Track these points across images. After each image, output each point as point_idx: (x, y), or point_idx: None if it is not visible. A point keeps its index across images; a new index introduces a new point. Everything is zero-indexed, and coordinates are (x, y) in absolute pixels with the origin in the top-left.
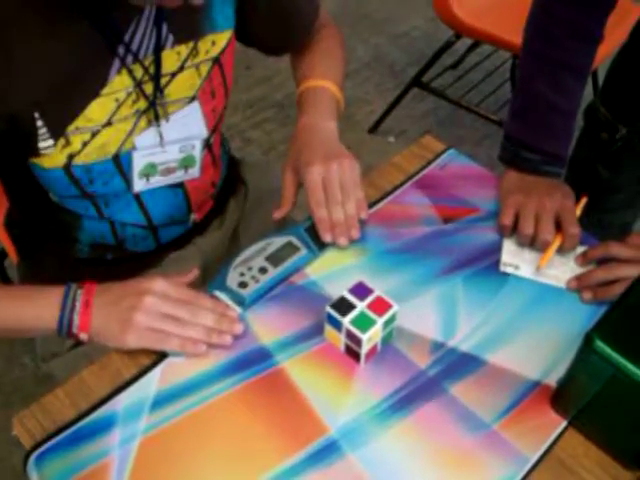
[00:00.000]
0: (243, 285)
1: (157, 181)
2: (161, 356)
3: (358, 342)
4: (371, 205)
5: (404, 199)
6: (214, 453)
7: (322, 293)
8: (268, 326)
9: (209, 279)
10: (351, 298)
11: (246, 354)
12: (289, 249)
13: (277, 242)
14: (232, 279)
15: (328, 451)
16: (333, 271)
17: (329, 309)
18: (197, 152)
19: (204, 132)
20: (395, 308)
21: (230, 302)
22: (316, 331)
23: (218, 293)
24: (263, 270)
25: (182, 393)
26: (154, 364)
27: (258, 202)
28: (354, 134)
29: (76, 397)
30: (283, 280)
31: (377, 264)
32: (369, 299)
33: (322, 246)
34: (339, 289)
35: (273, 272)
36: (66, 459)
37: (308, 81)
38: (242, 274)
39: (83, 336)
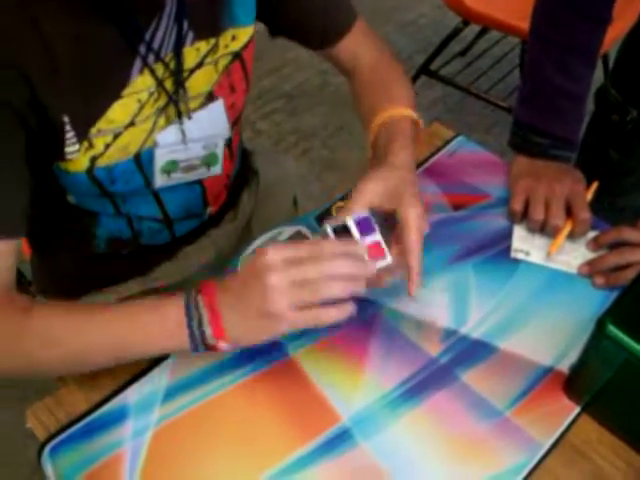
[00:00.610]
0: None
1: (178, 177)
2: None
3: None
4: None
5: None
6: (226, 443)
7: None
8: None
9: (223, 267)
10: (353, 229)
11: (257, 344)
12: (299, 238)
13: (287, 231)
14: None
15: (340, 440)
16: None
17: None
18: (220, 150)
19: (227, 130)
20: (388, 260)
21: None
22: None
23: None
24: None
25: (194, 384)
26: (166, 356)
27: (270, 192)
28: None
29: (89, 390)
30: None
31: None
32: (368, 239)
33: None
34: None
35: None
36: (80, 451)
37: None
38: None
39: (223, 345)
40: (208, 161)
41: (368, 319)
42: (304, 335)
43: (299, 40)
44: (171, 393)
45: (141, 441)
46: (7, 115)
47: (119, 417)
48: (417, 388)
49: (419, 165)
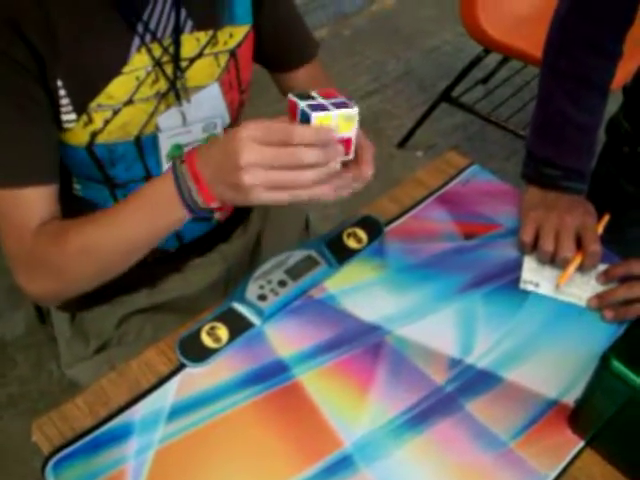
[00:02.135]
0: (262, 298)
1: None
2: (179, 366)
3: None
4: (392, 220)
5: (425, 214)
6: (229, 465)
7: (340, 308)
8: (286, 339)
9: (232, 286)
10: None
11: (263, 367)
12: (309, 263)
13: (297, 255)
14: (252, 291)
15: (342, 465)
16: (352, 286)
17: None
18: (219, 131)
19: (225, 113)
20: (350, 156)
21: (249, 314)
22: (333, 345)
23: (237, 305)
24: (282, 283)
25: (199, 404)
26: (172, 374)
27: (281, 212)
28: (383, 148)
29: (95, 405)
30: (302, 294)
31: (396, 279)
32: (332, 100)
33: (341, 261)
34: (357, 304)
35: (292, 285)
36: (83, 466)
37: None
38: (262, 287)
39: (215, 204)
40: None
41: (375, 344)
42: (310, 358)
43: (261, 56)
44: (176, 412)
45: (144, 459)
46: (20, 72)
47: (123, 434)
48: (421, 416)
49: (432, 192)
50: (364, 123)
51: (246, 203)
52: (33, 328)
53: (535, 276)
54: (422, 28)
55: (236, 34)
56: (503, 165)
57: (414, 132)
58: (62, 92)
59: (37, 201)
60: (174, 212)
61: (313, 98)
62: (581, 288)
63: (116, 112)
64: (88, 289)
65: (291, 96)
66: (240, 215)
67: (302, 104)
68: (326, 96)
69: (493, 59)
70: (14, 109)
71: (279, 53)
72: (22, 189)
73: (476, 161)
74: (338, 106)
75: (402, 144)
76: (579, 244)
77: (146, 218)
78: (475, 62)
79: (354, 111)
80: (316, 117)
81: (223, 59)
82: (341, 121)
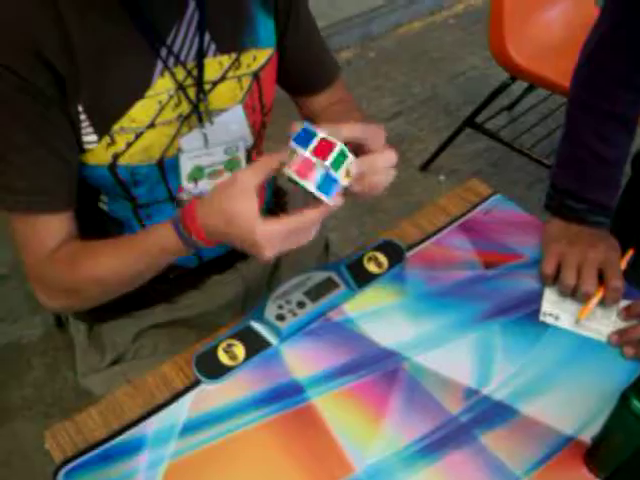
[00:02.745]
0: (281, 318)
1: (205, 184)
2: (194, 382)
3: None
4: (413, 246)
5: (447, 241)
6: None
7: (358, 332)
8: (302, 360)
9: (249, 304)
10: (295, 147)
11: (278, 387)
12: (328, 285)
13: (317, 277)
14: (270, 311)
15: None
16: (370, 310)
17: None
18: (241, 153)
19: (247, 135)
20: (339, 147)
21: (267, 334)
22: (350, 369)
23: (255, 324)
24: (301, 304)
25: (212, 421)
26: (187, 389)
27: None
28: (405, 171)
29: (109, 416)
30: (320, 316)
31: (415, 306)
32: (313, 144)
33: (361, 284)
34: (375, 329)
35: (311, 307)
36: (94, 477)
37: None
38: (280, 307)
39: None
40: (231, 166)
41: (391, 370)
42: (326, 382)
43: (282, 79)
44: (189, 428)
45: (155, 473)
46: (38, 98)
47: (136, 447)
48: (434, 445)
49: (454, 220)
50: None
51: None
52: (51, 333)
53: (555, 309)
54: (448, 52)
55: (259, 57)
56: (525, 193)
57: (437, 156)
58: (83, 116)
59: (54, 226)
60: (179, 252)
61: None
62: (602, 323)
63: (138, 135)
64: (104, 302)
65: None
66: None
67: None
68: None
69: (519, 86)
70: (34, 137)
71: (301, 77)
72: (39, 216)
73: (498, 188)
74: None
75: (425, 167)
76: (601, 279)
77: (154, 258)
78: (501, 89)
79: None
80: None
81: (246, 82)
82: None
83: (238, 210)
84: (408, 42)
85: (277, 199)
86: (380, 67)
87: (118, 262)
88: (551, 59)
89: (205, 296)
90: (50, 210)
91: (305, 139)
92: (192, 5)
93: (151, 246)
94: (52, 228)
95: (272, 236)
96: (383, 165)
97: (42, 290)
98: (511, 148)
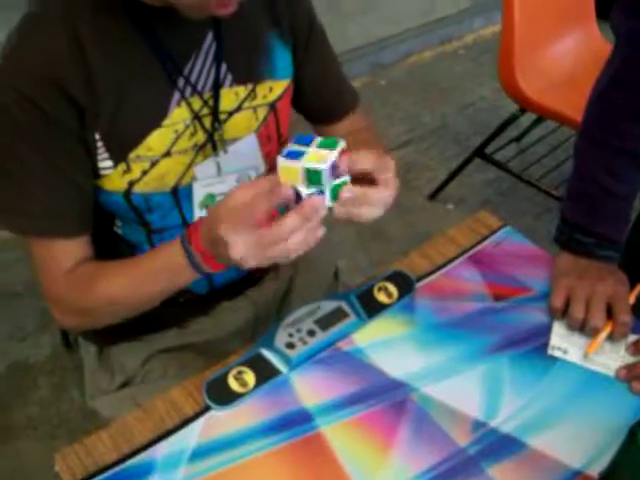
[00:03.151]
0: (291, 346)
1: None
2: (204, 408)
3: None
4: (423, 277)
5: (456, 273)
6: None
7: (367, 362)
8: (311, 389)
9: (259, 332)
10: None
11: (287, 415)
12: (338, 314)
13: (327, 306)
14: (280, 339)
15: None
16: (380, 341)
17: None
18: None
19: (260, 164)
20: (342, 143)
21: (277, 362)
22: (358, 399)
23: (265, 351)
24: (311, 333)
25: (221, 448)
26: (197, 415)
27: (311, 261)
28: (414, 199)
29: (119, 440)
30: (330, 345)
31: (424, 337)
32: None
33: (371, 314)
34: (384, 359)
35: (321, 336)
36: None
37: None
38: (291, 335)
39: (224, 269)
40: None
41: (399, 401)
42: (335, 411)
43: (301, 109)
44: (198, 454)
45: None
46: (55, 127)
47: (145, 471)
48: (442, 477)
49: (464, 251)
50: (396, 174)
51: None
52: (58, 353)
53: (564, 342)
54: (458, 83)
55: (276, 88)
56: (533, 223)
57: (446, 185)
58: (100, 143)
59: (69, 249)
60: (189, 276)
61: (300, 152)
62: (610, 358)
63: (154, 163)
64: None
65: (281, 160)
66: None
67: (298, 165)
68: (306, 142)
69: (528, 117)
70: (51, 165)
71: (321, 106)
72: (54, 240)
73: (506, 218)
74: (327, 145)
75: (433, 196)
76: (610, 313)
77: (161, 279)
78: (510, 121)
79: (343, 144)
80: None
81: (262, 112)
82: (317, 154)
83: (223, 207)
84: (418, 72)
85: None
86: (390, 96)
87: (129, 282)
88: (560, 92)
89: (215, 322)
90: (64, 235)
91: (305, 141)
92: (210, 36)
93: (160, 264)
94: (67, 251)
95: (236, 230)
96: (374, 200)
97: (58, 309)
98: (520, 179)
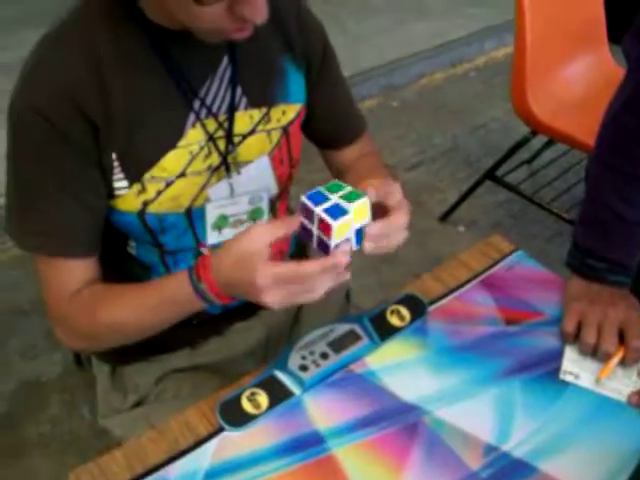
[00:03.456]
0: (304, 368)
1: (228, 233)
2: (218, 429)
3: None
4: (435, 300)
5: (469, 297)
6: None
7: (380, 384)
8: (324, 411)
9: (271, 353)
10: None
11: (300, 437)
12: (351, 337)
13: (340, 329)
14: (294, 361)
15: None
16: (392, 364)
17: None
18: (265, 204)
19: (273, 185)
20: (364, 198)
21: (290, 384)
22: (371, 421)
23: (279, 373)
24: (324, 355)
25: (234, 469)
26: (211, 436)
27: None
28: (424, 221)
29: (132, 460)
30: (343, 367)
31: (437, 360)
32: (340, 192)
33: (384, 337)
34: (397, 382)
35: (334, 358)
36: None
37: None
38: (304, 357)
39: (232, 301)
40: (254, 215)
41: (412, 424)
42: (347, 433)
43: (310, 133)
44: (211, 475)
45: None
46: (71, 148)
47: None
48: None
49: (476, 275)
50: (407, 195)
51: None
52: (70, 371)
53: (575, 367)
54: (470, 104)
55: (289, 112)
56: (544, 246)
57: (457, 207)
58: (116, 163)
59: (75, 270)
60: (194, 306)
61: (325, 197)
62: (622, 383)
63: (169, 184)
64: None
65: (304, 199)
66: None
67: (317, 209)
68: (334, 190)
69: (539, 139)
70: (62, 185)
71: (330, 131)
72: (61, 259)
73: (517, 241)
74: (350, 198)
75: (444, 218)
76: (622, 338)
77: (167, 311)
78: (521, 143)
79: (366, 199)
80: (337, 225)
81: (275, 136)
82: (356, 214)
83: (246, 253)
84: (429, 93)
85: (300, 251)
86: (402, 117)
87: (135, 310)
88: (572, 115)
89: (227, 342)
90: (72, 255)
91: (320, 199)
92: (225, 60)
93: (167, 297)
94: (74, 272)
95: (271, 279)
96: (396, 227)
97: (62, 330)
98: (531, 202)
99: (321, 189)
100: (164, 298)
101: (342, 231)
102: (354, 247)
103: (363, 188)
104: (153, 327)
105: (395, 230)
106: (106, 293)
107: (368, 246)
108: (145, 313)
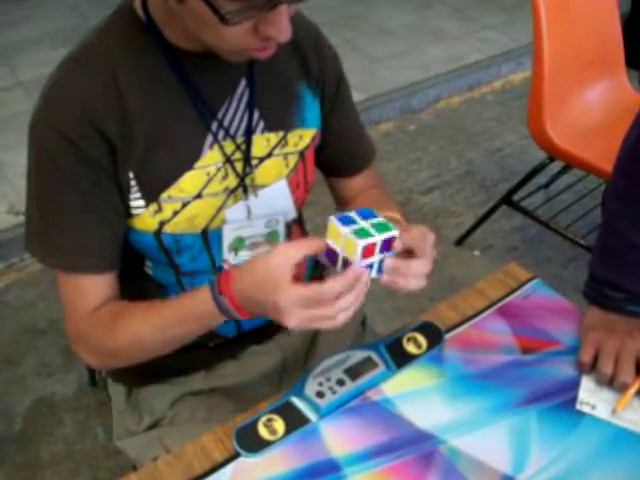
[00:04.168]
0: (320, 395)
1: (244, 256)
2: (234, 454)
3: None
4: (452, 328)
5: (485, 325)
6: None
7: (396, 412)
8: (340, 438)
9: (286, 377)
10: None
11: (316, 464)
12: (368, 364)
13: (357, 356)
14: (310, 387)
15: None
16: (409, 391)
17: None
18: (281, 227)
19: (290, 209)
20: (394, 232)
21: (306, 410)
22: (387, 449)
23: (295, 399)
24: (341, 382)
25: None
26: (226, 461)
27: None
28: (440, 245)
29: None
30: (359, 394)
31: (453, 388)
32: (372, 220)
33: (400, 365)
34: (413, 410)
35: (350, 385)
36: None
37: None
38: (320, 384)
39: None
40: (270, 238)
41: (427, 453)
42: (363, 460)
43: (318, 160)
44: None
45: None
46: (90, 166)
47: None
48: None
49: (493, 304)
50: (423, 219)
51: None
52: (84, 390)
53: (592, 398)
54: (486, 128)
55: (305, 137)
56: (560, 271)
57: (473, 231)
58: (133, 182)
59: (95, 287)
60: (213, 320)
61: (354, 221)
62: (639, 414)
63: (185, 205)
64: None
65: (333, 220)
66: None
67: (345, 230)
68: (365, 217)
69: (556, 164)
70: (82, 201)
71: (340, 160)
72: (82, 275)
73: (533, 266)
74: (379, 229)
75: (460, 242)
76: (639, 369)
77: (188, 325)
78: (538, 169)
79: (396, 233)
80: (362, 246)
81: (292, 160)
82: (382, 243)
83: (270, 272)
84: (447, 117)
85: (317, 272)
86: (418, 140)
87: (154, 326)
88: (589, 141)
89: (243, 366)
90: (93, 271)
91: (349, 221)
92: (243, 83)
93: (188, 310)
94: (95, 288)
95: (294, 300)
96: (416, 273)
97: (81, 347)
98: (547, 227)
99: (352, 214)
100: (184, 311)
101: (367, 254)
102: (374, 274)
103: (395, 223)
104: (173, 342)
105: (414, 275)
106: (126, 309)
107: (383, 277)
108: (165, 327)
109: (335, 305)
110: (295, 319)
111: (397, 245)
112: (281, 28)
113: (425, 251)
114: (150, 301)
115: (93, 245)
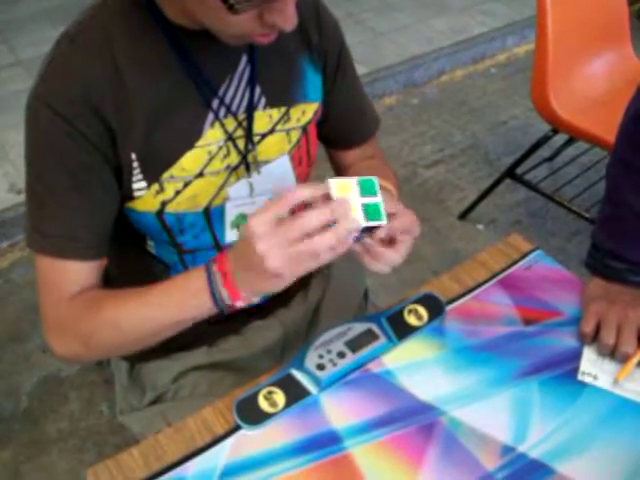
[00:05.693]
0: (321, 367)
1: None
2: (234, 427)
3: None
4: (453, 300)
5: (487, 297)
6: None
7: (397, 384)
8: (341, 410)
9: (288, 352)
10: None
11: (316, 436)
12: (369, 336)
13: (357, 328)
14: (311, 360)
15: None
16: (409, 363)
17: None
18: None
19: (292, 185)
20: (382, 222)
21: (307, 382)
22: (387, 421)
23: (296, 372)
24: (341, 354)
25: (251, 467)
26: (227, 434)
27: (341, 282)
28: (444, 219)
29: (149, 457)
30: (360, 366)
31: (454, 360)
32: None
33: (401, 336)
34: (414, 382)
35: (351, 358)
36: None
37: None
38: (321, 356)
39: (241, 304)
40: None
41: (428, 424)
42: (364, 432)
43: (320, 133)
44: (228, 473)
45: None
46: (84, 146)
47: None
48: None
49: (494, 275)
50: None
51: (280, 285)
52: (88, 368)
53: (594, 368)
54: (490, 101)
55: (308, 111)
56: (564, 244)
57: (476, 205)
58: (135, 164)
59: (78, 273)
60: (201, 304)
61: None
62: None
63: (187, 184)
64: (109, 357)
65: (330, 182)
66: (301, 282)
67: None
68: (363, 189)
69: (560, 137)
70: (74, 185)
71: (342, 132)
72: (67, 261)
73: (537, 239)
74: (369, 214)
75: (463, 216)
76: None
77: (175, 304)
78: (542, 142)
79: (383, 223)
80: (335, 182)
81: (295, 135)
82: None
83: (247, 229)
84: (450, 90)
85: None
86: (422, 114)
87: (138, 305)
88: (594, 113)
89: (245, 341)
90: (77, 257)
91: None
92: (244, 59)
93: (174, 286)
94: (75, 275)
95: (267, 220)
96: (386, 260)
97: (54, 332)
98: (551, 200)
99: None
100: (174, 290)
101: (342, 190)
102: (362, 222)
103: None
104: (154, 327)
105: (383, 262)
106: (110, 291)
107: (356, 246)
108: (150, 307)
109: (314, 239)
110: (276, 258)
111: (380, 234)
112: (287, 17)
113: (403, 245)
114: (153, 282)
115: (81, 231)
